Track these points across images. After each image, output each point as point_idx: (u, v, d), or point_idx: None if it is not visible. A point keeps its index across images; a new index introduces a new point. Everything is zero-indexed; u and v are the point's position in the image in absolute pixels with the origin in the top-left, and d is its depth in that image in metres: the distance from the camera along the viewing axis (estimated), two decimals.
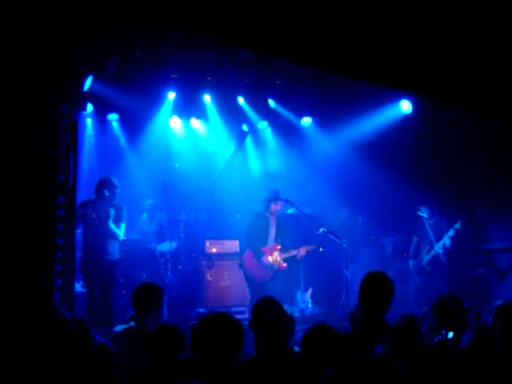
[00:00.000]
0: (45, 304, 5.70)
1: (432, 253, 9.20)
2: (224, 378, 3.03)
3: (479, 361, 3.31)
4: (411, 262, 9.54)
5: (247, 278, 8.91)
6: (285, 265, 8.82)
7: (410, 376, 3.74)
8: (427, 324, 4.87)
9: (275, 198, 8.77)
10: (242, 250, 9.19)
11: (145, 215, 10.62)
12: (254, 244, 8.75)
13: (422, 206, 9.40)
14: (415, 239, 9.69)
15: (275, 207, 8.79)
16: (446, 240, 9.09)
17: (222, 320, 3.35)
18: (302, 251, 8.86)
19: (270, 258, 8.69)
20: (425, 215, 9.14)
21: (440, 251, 9.06)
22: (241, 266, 8.99)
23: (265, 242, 8.81)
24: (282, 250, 8.80)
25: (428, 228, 9.10)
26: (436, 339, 4.68)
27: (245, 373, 3.81)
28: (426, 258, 9.31)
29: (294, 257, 8.85)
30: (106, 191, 7.80)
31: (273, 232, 8.91)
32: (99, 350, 3.56)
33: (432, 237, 9.04)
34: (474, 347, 3.42)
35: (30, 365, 2.23)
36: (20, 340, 2.27)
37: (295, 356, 4.10)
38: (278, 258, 8.75)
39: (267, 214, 8.86)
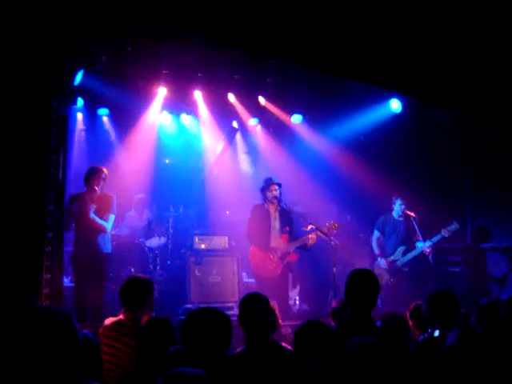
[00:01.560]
0: (34, 298, 5.71)
1: (411, 255, 8.93)
2: (214, 372, 3.06)
3: (463, 360, 3.34)
4: (383, 262, 9.13)
5: (255, 276, 8.83)
6: (295, 256, 8.63)
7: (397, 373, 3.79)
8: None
9: (268, 183, 8.58)
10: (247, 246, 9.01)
11: (133, 211, 10.62)
12: (258, 239, 8.57)
13: (396, 199, 9.16)
14: (377, 233, 9.36)
15: (270, 194, 8.52)
16: (431, 243, 8.75)
17: (211, 315, 3.39)
18: (313, 239, 8.39)
19: (279, 252, 8.47)
20: (412, 214, 9.00)
21: (428, 254, 8.76)
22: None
23: (268, 236, 8.59)
24: (289, 241, 8.54)
25: (416, 228, 8.83)
26: (422, 337, 4.72)
27: (235, 366, 3.86)
28: (403, 259, 8.99)
29: (303, 247, 8.53)
30: (96, 181, 7.71)
31: (276, 224, 8.64)
32: (84, 343, 3.59)
33: (421, 237, 8.77)
34: (458, 347, 3.45)
35: (14, 355, 2.25)
36: (5, 331, 2.29)
37: (282, 349, 4.16)
38: (287, 251, 8.49)
39: (267, 206, 8.62)
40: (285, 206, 8.74)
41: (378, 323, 4.49)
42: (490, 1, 5.81)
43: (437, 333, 4.51)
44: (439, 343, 4.16)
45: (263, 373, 3.86)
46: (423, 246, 8.80)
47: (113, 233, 8.27)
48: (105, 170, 7.85)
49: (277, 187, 8.55)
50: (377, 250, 9.36)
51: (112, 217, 7.88)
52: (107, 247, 7.86)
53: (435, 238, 8.77)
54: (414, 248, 8.93)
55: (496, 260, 9.59)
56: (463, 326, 3.85)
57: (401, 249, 9.03)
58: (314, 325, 4.04)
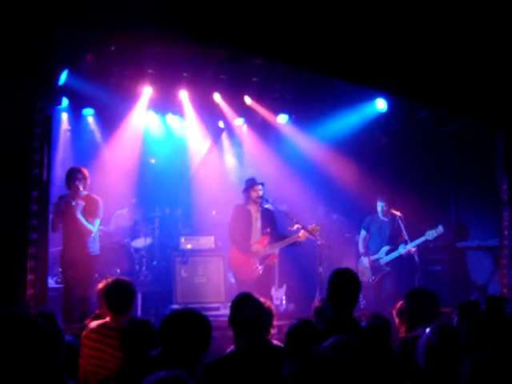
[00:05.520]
0: (18, 299, 5.67)
1: (393, 255, 8.93)
2: (193, 374, 3.04)
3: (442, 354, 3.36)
4: (365, 260, 9.20)
5: (235, 278, 8.83)
6: (276, 258, 8.61)
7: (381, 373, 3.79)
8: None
9: (252, 183, 8.57)
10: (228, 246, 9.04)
11: (126, 210, 10.60)
12: (239, 240, 8.54)
13: (378, 200, 9.17)
14: (363, 233, 9.37)
15: (255, 193, 8.48)
16: (413, 245, 8.74)
17: (189, 316, 3.37)
18: (303, 234, 8.35)
19: (259, 255, 8.46)
20: (398, 212, 9.02)
21: (413, 253, 8.76)
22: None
23: (249, 237, 8.56)
24: (271, 242, 8.53)
25: (402, 227, 8.81)
26: (413, 334, 4.72)
27: (224, 369, 3.84)
28: (386, 258, 8.99)
29: (293, 244, 8.47)
30: (76, 181, 7.63)
31: (258, 225, 8.61)
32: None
33: (407, 237, 8.75)
34: (435, 341, 3.46)
35: None
36: None
37: (273, 348, 4.15)
38: (268, 253, 8.48)
39: (249, 207, 8.60)
40: (268, 207, 8.75)
41: (363, 324, 4.50)
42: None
43: (428, 330, 4.52)
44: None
45: (254, 374, 3.85)
46: (404, 248, 8.82)
47: (100, 227, 8.19)
48: (83, 169, 7.80)
49: (260, 187, 8.54)
50: (362, 249, 9.41)
51: (98, 221, 7.83)
52: (95, 249, 7.83)
53: (418, 241, 8.79)
54: (398, 249, 8.95)
55: (479, 262, 9.61)
56: (437, 325, 3.85)
57: (384, 248, 9.05)
58: (305, 324, 4.06)
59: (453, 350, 3.32)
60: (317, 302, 5.74)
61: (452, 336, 3.45)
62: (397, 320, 5.33)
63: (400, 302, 5.35)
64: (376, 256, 9.12)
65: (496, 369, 2.52)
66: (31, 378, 2.24)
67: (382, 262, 9.05)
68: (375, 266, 9.10)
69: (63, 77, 7.48)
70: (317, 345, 3.63)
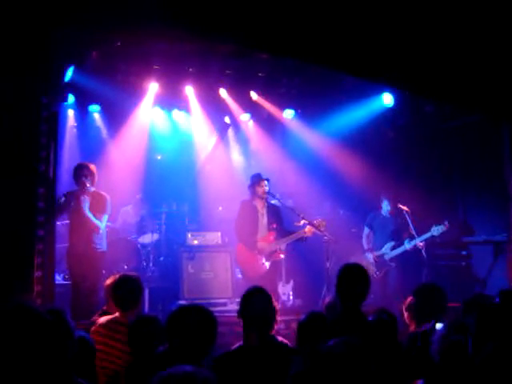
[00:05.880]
0: (26, 296, 5.67)
1: (398, 250, 8.93)
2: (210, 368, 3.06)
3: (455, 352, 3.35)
4: (370, 256, 9.19)
5: (242, 274, 8.88)
6: (282, 255, 8.59)
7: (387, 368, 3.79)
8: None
9: (257, 179, 8.57)
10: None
11: (130, 206, 10.62)
12: (245, 236, 8.54)
13: (383, 199, 9.19)
14: (366, 230, 9.41)
15: (261, 189, 8.49)
16: (418, 240, 8.70)
17: (195, 312, 3.37)
18: (309, 230, 8.33)
19: (266, 250, 8.47)
20: (405, 208, 9.00)
21: (421, 248, 8.72)
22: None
23: (255, 233, 8.56)
24: (277, 238, 8.53)
25: (410, 222, 8.78)
26: (423, 328, 4.71)
27: (232, 362, 3.85)
28: (391, 253, 8.99)
29: (300, 240, 8.48)
30: (83, 177, 7.65)
31: (264, 220, 8.63)
32: (79, 343, 3.56)
33: (414, 232, 8.73)
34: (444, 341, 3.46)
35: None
36: None
37: (278, 344, 4.16)
38: (274, 248, 8.49)
39: (255, 203, 8.61)
40: (274, 202, 8.74)
41: (370, 318, 4.49)
42: None
43: (438, 325, 4.50)
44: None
45: (261, 368, 3.86)
46: (409, 244, 8.81)
47: (108, 224, 8.21)
48: (91, 166, 7.81)
49: (266, 182, 8.55)
50: (366, 246, 9.41)
51: (105, 217, 7.85)
52: (102, 245, 7.82)
53: (424, 236, 8.73)
54: (403, 244, 8.93)
55: (486, 257, 9.57)
56: (451, 321, 3.84)
57: (389, 244, 9.04)
58: (315, 316, 4.08)
59: (467, 345, 3.32)
60: (328, 299, 5.75)
61: (466, 332, 3.45)
62: (406, 315, 5.32)
63: (409, 298, 5.34)
64: (380, 251, 9.11)
65: (502, 362, 2.52)
66: (38, 373, 2.24)
67: (387, 257, 9.03)
68: (380, 262, 9.09)
69: (69, 73, 7.49)
70: (327, 339, 3.65)
